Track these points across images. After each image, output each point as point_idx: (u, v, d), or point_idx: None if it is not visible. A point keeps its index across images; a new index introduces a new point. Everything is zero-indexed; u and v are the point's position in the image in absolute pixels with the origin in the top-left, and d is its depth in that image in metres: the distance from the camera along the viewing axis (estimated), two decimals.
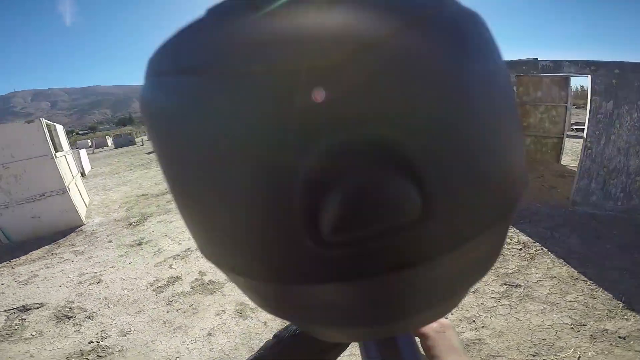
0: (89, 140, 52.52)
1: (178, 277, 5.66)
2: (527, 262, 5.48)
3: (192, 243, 5.65)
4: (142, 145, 41.06)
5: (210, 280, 5.40)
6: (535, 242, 6.07)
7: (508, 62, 7.38)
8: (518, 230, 6.59)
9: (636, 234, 6.05)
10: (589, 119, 6.72)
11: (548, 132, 10.79)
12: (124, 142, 44.08)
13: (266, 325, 4.16)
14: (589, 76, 6.58)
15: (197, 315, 4.55)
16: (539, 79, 10.54)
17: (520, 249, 5.91)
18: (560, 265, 5.26)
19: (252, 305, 4.04)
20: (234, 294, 4.84)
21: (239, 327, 4.23)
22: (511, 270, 5.31)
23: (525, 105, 11.07)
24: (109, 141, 47.73)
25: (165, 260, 6.37)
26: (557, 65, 6.82)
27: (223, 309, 4.65)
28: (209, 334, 4.16)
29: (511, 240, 6.26)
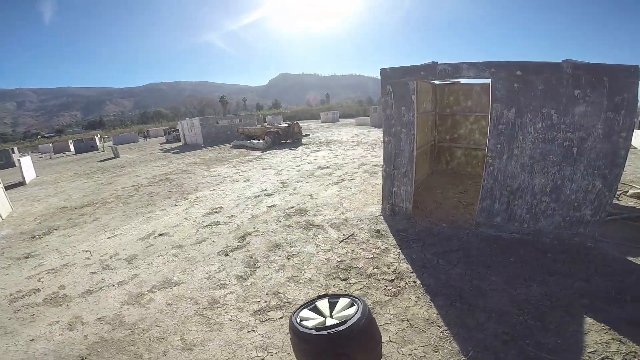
0: (51, 144, 50.11)
1: (38, 290, 5.85)
2: (388, 299, 4.56)
3: (75, 258, 7.25)
4: (103, 151, 39.40)
5: (64, 294, 5.56)
6: (412, 272, 5.18)
7: (406, 67, 6.49)
8: (403, 257, 5.68)
9: (536, 260, 5.21)
10: (489, 130, 5.85)
11: (478, 144, 9.97)
12: (85, 147, 41.88)
13: (87, 337, 4.37)
14: (490, 80, 5.72)
15: (32, 324, 4.83)
16: (469, 87, 9.76)
17: (392, 281, 5.00)
18: (422, 304, 4.37)
19: (85, 319, 4.77)
20: (77, 307, 5.12)
21: (62, 337, 4.45)
22: None
23: (456, 116, 10.27)
24: (71, 146, 45.54)
25: (39, 274, 6.50)
26: (455, 68, 5.97)
27: (58, 320, 4.85)
28: (32, 340, 4.44)
29: (388, 269, 5.32)
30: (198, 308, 4.74)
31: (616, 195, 8.70)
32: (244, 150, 23.47)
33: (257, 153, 21.14)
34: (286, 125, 25.82)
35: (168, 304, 4.90)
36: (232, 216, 8.70)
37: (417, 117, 8.84)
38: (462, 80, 9.37)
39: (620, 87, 4.93)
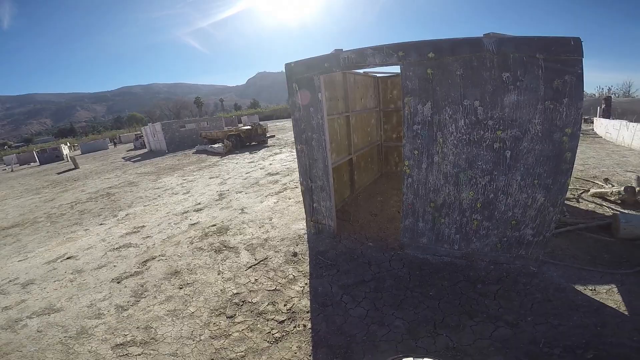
0: (14, 155, 47.79)
1: None
2: (266, 346, 3.79)
3: None
4: (67, 161, 37.68)
5: None
6: (308, 312, 4.30)
7: (309, 60, 5.43)
8: (308, 290, 4.81)
9: (460, 294, 4.28)
10: (404, 132, 4.86)
11: None
12: (49, 157, 39.82)
13: None
14: (400, 66, 4.70)
15: None
16: None
17: (281, 322, 4.19)
18: (300, 358, 3.53)
19: None
20: None
21: None
22: (233, 356, 3.69)
23: (400, 112, 9.31)
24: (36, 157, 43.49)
25: None
26: (359, 55, 4.92)
27: None
28: None
29: (284, 306, 4.50)
30: (65, 337, 4.51)
31: (575, 197, 7.84)
32: (204, 155, 22.31)
33: (216, 158, 20.03)
34: (248, 127, 24.70)
35: (38, 331, 4.71)
36: (148, 237, 7.79)
37: (353, 117, 7.94)
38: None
39: (560, 67, 3.83)
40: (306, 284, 4.92)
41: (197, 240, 7.10)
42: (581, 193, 8.01)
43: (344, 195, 8.12)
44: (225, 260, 6.00)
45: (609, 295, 4.00)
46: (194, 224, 8.18)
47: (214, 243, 6.79)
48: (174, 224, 8.43)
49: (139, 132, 55.47)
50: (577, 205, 7.16)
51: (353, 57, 4.92)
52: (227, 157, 20.11)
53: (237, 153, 21.18)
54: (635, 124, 14.54)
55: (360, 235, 6.24)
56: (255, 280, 5.23)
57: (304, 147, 5.95)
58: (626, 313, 3.71)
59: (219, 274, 5.57)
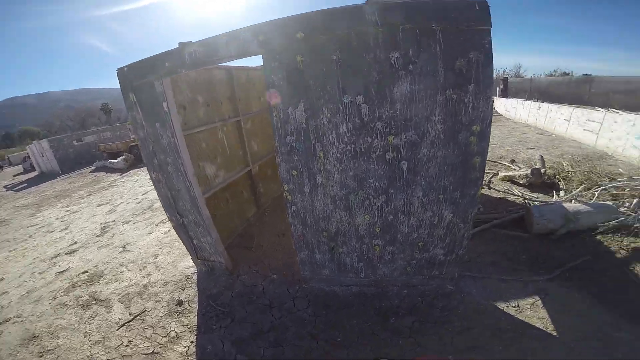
0: None
1: None
2: None
3: None
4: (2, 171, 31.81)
5: None
6: None
7: (148, 60, 4.12)
8: (194, 350, 3.92)
9: (370, 334, 3.65)
10: (276, 146, 3.87)
11: None
12: None
13: None
14: (262, 57, 3.54)
15: None
16: None
17: None
18: None
19: None
20: None
21: None
22: None
23: None
24: None
25: None
26: (210, 47, 3.71)
27: None
28: None
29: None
30: None
31: (486, 182, 7.68)
32: (103, 173, 19.62)
33: (115, 176, 17.65)
34: None
35: None
36: (4, 293, 6.24)
37: (247, 121, 6.77)
38: None
39: (462, 40, 2.92)
40: (192, 342, 3.98)
41: (62, 293, 5.70)
42: (491, 177, 8.02)
43: (247, 215, 7.11)
44: (93, 318, 4.82)
45: (533, 312, 3.59)
46: (62, 271, 6.61)
47: (82, 296, 5.47)
48: (39, 273, 6.78)
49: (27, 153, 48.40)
50: (489, 193, 6.99)
51: (202, 50, 3.73)
52: (127, 173, 17.83)
53: (141, 166, 18.86)
54: (529, 102, 15.47)
55: (263, 266, 5.31)
56: (129, 341, 4.20)
57: (159, 175, 4.71)
58: (554, 333, 3.27)
59: (85, 337, 4.50)
